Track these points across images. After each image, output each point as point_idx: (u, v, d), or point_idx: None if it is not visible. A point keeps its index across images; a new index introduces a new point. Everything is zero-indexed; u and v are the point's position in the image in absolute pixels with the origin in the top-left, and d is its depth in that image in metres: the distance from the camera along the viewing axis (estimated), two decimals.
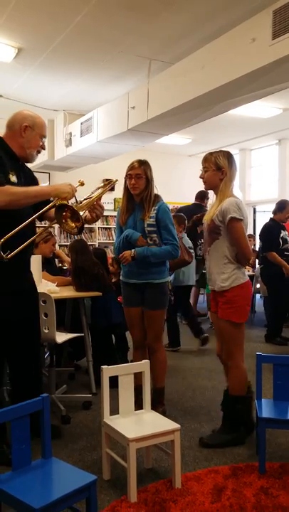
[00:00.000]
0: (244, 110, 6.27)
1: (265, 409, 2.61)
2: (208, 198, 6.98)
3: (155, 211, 3.19)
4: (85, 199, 2.63)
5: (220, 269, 2.82)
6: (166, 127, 5.85)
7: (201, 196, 6.90)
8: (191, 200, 7.05)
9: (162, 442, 2.41)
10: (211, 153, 2.90)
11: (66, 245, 7.78)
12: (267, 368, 2.79)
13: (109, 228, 9.52)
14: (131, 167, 3.21)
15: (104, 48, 5.16)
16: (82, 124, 6.97)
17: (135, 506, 2.19)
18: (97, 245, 8.85)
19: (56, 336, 3.32)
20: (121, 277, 3.37)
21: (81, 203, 2.59)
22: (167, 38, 4.91)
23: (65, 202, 2.49)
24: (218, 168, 2.84)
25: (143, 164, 3.21)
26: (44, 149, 2.80)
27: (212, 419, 3.27)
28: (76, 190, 2.57)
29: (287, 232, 5.61)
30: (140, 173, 3.17)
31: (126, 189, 3.24)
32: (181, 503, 2.23)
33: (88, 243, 5.07)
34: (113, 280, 4.44)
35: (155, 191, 3.27)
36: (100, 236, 9.41)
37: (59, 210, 2.47)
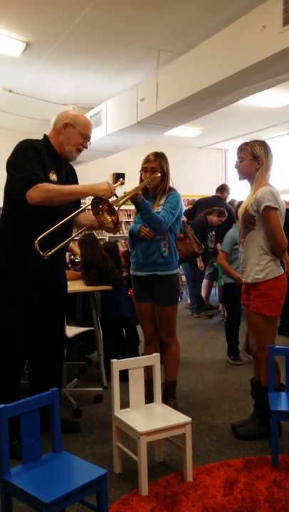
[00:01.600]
0: (255, 100, 6.17)
1: (278, 401, 2.58)
2: (228, 192, 6.98)
3: (165, 199, 3.14)
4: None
5: (255, 260, 2.75)
6: (176, 119, 5.78)
7: (221, 189, 6.88)
8: (202, 192, 7.03)
9: (173, 436, 2.40)
10: (246, 143, 2.82)
11: (76, 240, 7.78)
12: (279, 360, 2.76)
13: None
14: (146, 160, 3.15)
15: (113, 40, 5.10)
16: (91, 117, 6.92)
17: (146, 500, 2.19)
18: (107, 239, 8.84)
19: (67, 330, 3.32)
20: (130, 271, 3.35)
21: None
22: (176, 28, 4.84)
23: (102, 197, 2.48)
24: (254, 158, 2.76)
25: (159, 157, 3.14)
26: (86, 148, 2.76)
27: (224, 412, 3.25)
28: (115, 189, 2.55)
29: None
30: (156, 166, 3.11)
31: (141, 182, 3.18)
32: (193, 496, 2.22)
33: (98, 237, 5.05)
34: (124, 274, 4.42)
35: (170, 184, 3.21)
36: None
37: (96, 204, 2.48)
